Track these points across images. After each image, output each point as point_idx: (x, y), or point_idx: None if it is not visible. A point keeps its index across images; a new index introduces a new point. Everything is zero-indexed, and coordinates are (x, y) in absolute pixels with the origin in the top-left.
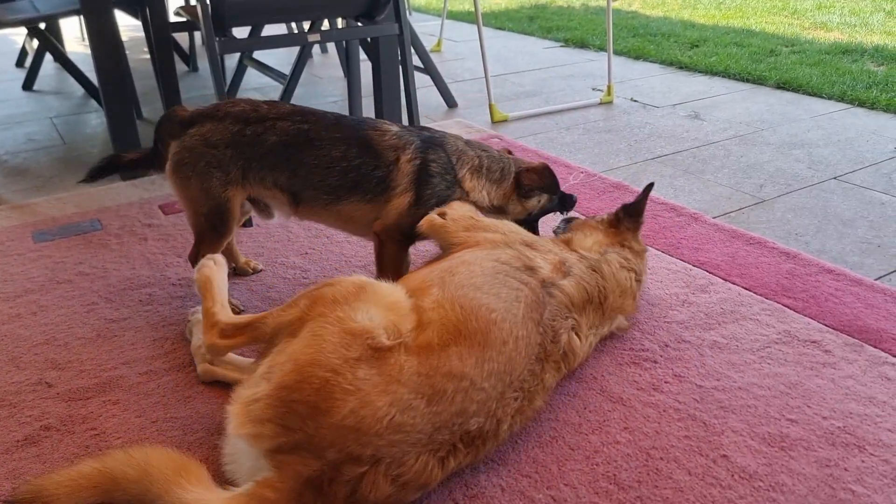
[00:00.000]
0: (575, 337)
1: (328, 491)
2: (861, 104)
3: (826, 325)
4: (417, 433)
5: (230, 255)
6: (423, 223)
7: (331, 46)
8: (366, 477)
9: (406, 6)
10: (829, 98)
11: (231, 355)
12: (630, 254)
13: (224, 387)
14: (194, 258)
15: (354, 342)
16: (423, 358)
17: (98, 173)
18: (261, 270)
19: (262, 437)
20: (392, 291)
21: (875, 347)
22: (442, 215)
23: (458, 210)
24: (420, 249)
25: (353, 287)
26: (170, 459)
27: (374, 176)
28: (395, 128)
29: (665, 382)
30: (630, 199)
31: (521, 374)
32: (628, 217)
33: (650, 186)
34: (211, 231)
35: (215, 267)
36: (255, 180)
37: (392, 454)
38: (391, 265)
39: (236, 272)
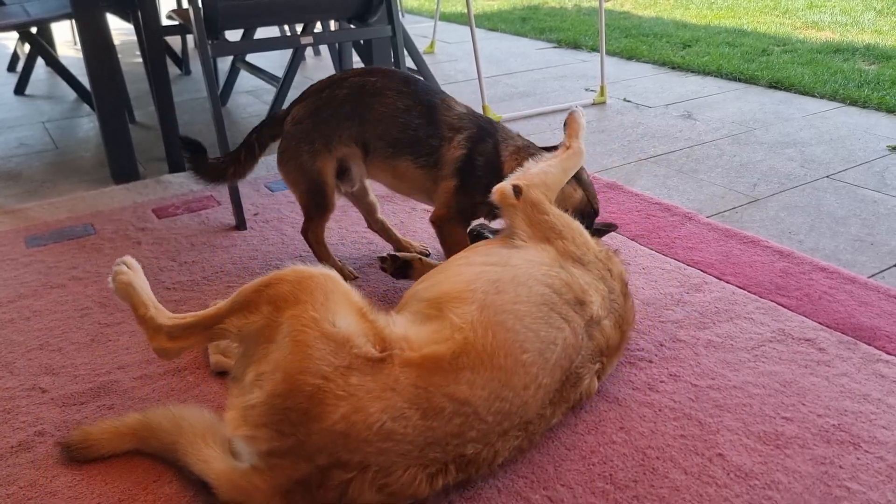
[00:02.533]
0: (595, 381)
1: (317, 494)
2: (853, 103)
3: (820, 324)
4: (407, 444)
5: (390, 238)
6: (496, 193)
7: (324, 49)
8: (353, 483)
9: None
10: (821, 97)
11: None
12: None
13: (218, 391)
14: (305, 232)
15: (340, 350)
16: (424, 372)
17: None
18: (428, 254)
19: (257, 439)
20: (350, 288)
21: (869, 345)
22: (517, 191)
23: (535, 192)
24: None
25: (310, 281)
26: (201, 419)
27: (428, 143)
28: (459, 108)
29: (660, 382)
30: (624, 199)
31: (531, 418)
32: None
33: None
34: (314, 206)
35: (130, 271)
36: (333, 139)
37: (380, 462)
38: (455, 248)
39: (398, 251)
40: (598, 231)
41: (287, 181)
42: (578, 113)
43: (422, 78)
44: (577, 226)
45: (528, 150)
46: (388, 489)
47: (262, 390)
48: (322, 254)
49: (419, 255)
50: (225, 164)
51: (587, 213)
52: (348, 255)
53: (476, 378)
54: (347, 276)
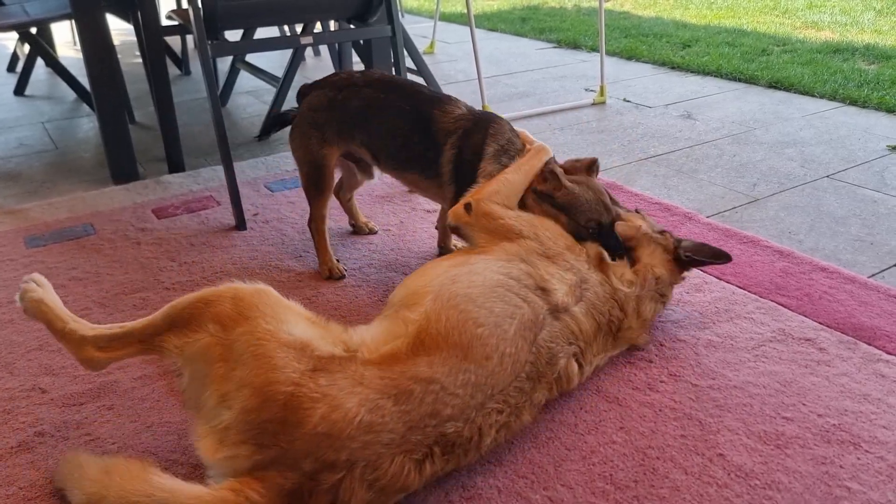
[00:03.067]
0: (574, 364)
1: (310, 502)
2: (852, 103)
3: (820, 323)
4: (389, 433)
5: (350, 213)
6: (450, 215)
7: (324, 49)
8: (343, 483)
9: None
10: (821, 97)
11: None
12: (667, 287)
13: None
14: (310, 223)
15: (302, 355)
16: (384, 366)
17: (268, 130)
18: (376, 232)
19: (239, 458)
20: (293, 303)
21: (869, 345)
22: (468, 208)
23: (485, 205)
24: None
25: (252, 297)
26: (129, 462)
27: (426, 156)
28: (459, 111)
29: (661, 382)
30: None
31: (506, 388)
32: (693, 262)
33: (728, 258)
34: (313, 187)
35: (39, 288)
36: (345, 138)
37: (366, 457)
38: None
39: (354, 230)
40: (691, 260)
41: (294, 156)
42: (522, 131)
43: (426, 87)
44: (543, 223)
45: (507, 154)
46: (379, 483)
47: (232, 410)
48: (322, 247)
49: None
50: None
51: (582, 223)
52: (348, 255)
53: (434, 358)
54: (338, 275)
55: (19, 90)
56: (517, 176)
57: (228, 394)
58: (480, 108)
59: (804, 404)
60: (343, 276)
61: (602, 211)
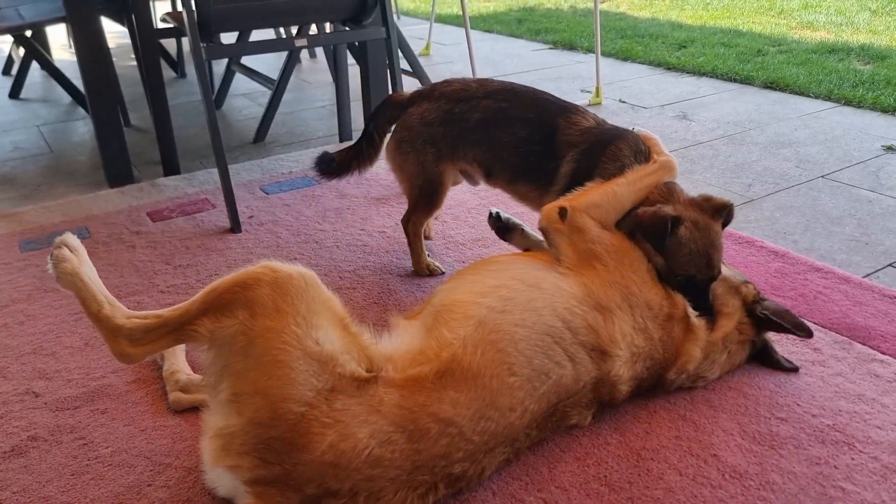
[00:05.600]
0: (588, 418)
1: None
2: (848, 103)
3: (815, 323)
4: (396, 469)
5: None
6: (542, 215)
7: (319, 51)
8: None
9: (395, 10)
10: (816, 97)
11: (196, 376)
12: (722, 361)
13: None
14: (406, 222)
15: (323, 371)
16: (407, 392)
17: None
18: (430, 238)
19: (241, 468)
20: (331, 296)
21: (863, 345)
22: (563, 213)
23: (580, 217)
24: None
25: (289, 285)
26: None
27: (543, 168)
28: (587, 123)
29: None
30: None
31: (518, 437)
32: (769, 324)
33: (809, 334)
34: (424, 200)
35: (73, 257)
36: (460, 155)
37: (370, 488)
38: None
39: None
40: (769, 322)
41: (399, 171)
42: (644, 130)
43: (551, 95)
44: (633, 262)
45: (622, 160)
46: None
47: (242, 416)
48: (417, 248)
49: (522, 226)
50: (349, 159)
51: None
52: (342, 257)
53: (460, 397)
54: (439, 272)
55: (14, 93)
56: (626, 191)
57: (241, 395)
58: (611, 123)
59: (798, 405)
60: (443, 273)
61: (703, 267)
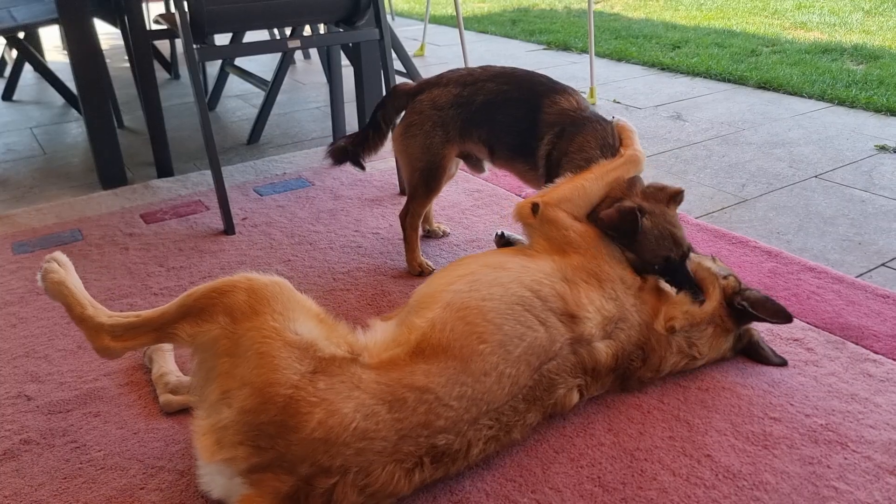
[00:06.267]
0: (576, 395)
1: (311, 501)
2: (841, 103)
3: (808, 323)
4: (382, 440)
5: (425, 218)
6: (515, 211)
7: (313, 52)
8: (336, 488)
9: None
10: (810, 97)
11: (185, 378)
12: (704, 341)
13: None
14: (405, 215)
15: (304, 356)
16: (382, 371)
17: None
18: (448, 234)
19: (237, 459)
20: (306, 298)
21: (856, 344)
22: (535, 208)
23: (552, 211)
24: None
25: (264, 290)
26: None
27: (529, 146)
28: (566, 104)
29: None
30: None
31: (501, 407)
32: (747, 315)
33: (789, 319)
34: (424, 186)
35: (61, 269)
36: (467, 136)
37: (359, 463)
38: None
39: (428, 234)
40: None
41: (403, 154)
42: (622, 119)
43: (547, 77)
44: (608, 245)
45: (589, 153)
46: (370, 489)
47: (232, 409)
48: (412, 243)
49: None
50: (354, 145)
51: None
52: (336, 258)
53: (431, 367)
54: (429, 270)
55: (7, 95)
56: (595, 186)
57: (230, 391)
58: (592, 108)
59: (792, 404)
60: (433, 270)
61: (671, 246)
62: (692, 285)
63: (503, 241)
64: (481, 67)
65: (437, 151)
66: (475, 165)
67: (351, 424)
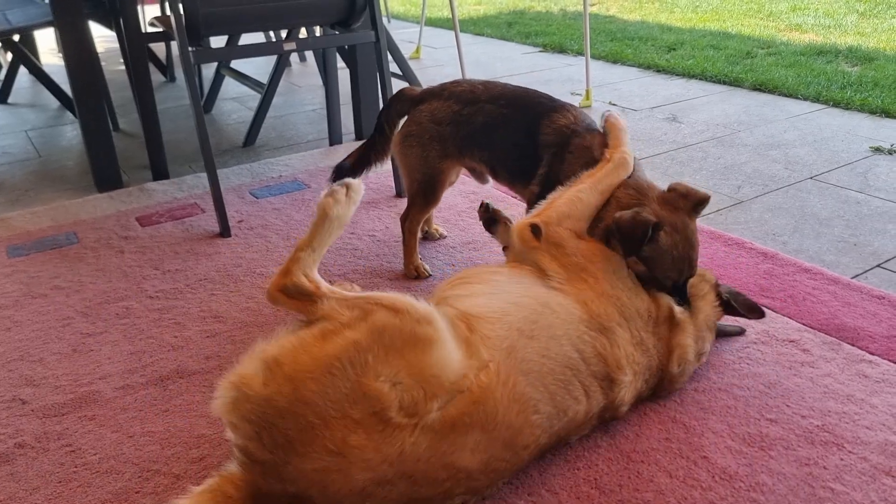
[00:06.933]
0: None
1: None
2: (836, 104)
3: (804, 325)
4: (387, 500)
5: (425, 220)
6: (515, 236)
7: (309, 55)
8: None
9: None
10: (805, 99)
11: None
12: (709, 343)
13: (199, 401)
14: (404, 219)
15: (361, 403)
16: (434, 441)
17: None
18: (445, 237)
19: (239, 431)
20: (444, 362)
21: (852, 345)
22: (535, 231)
23: (555, 231)
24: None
25: (408, 335)
26: None
27: (531, 169)
28: (563, 120)
29: None
30: None
31: (521, 467)
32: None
33: (761, 314)
34: (422, 196)
35: (340, 202)
36: (467, 154)
37: None
38: None
39: (425, 236)
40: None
41: (402, 163)
42: (614, 115)
43: (547, 96)
44: (618, 270)
45: (576, 167)
46: None
47: (265, 389)
48: (410, 246)
49: (508, 219)
50: (366, 153)
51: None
52: (332, 260)
53: (480, 442)
54: (425, 274)
55: (2, 98)
56: (590, 196)
57: (278, 365)
58: (588, 121)
59: (788, 406)
60: (430, 276)
61: (685, 269)
62: (686, 300)
63: (488, 214)
64: (483, 84)
65: (435, 165)
66: (479, 177)
67: (357, 488)
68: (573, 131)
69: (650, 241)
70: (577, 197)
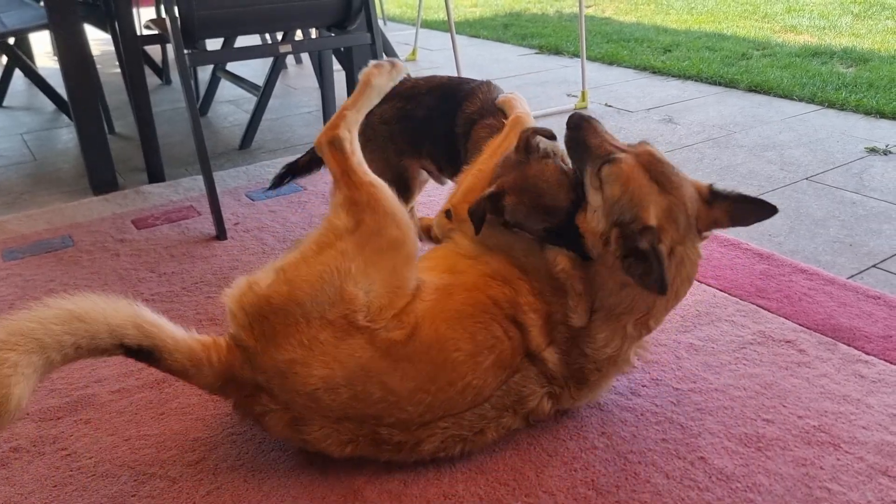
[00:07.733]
0: (547, 402)
1: (243, 401)
2: (831, 105)
3: (800, 325)
4: (329, 410)
5: (409, 213)
6: (435, 228)
7: (305, 57)
8: (273, 414)
9: (381, 16)
10: (800, 100)
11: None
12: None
13: (196, 403)
14: None
15: (338, 305)
16: (377, 356)
17: (280, 181)
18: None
19: (236, 318)
20: (409, 274)
21: (848, 346)
22: (448, 214)
23: (462, 209)
24: None
25: (387, 243)
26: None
27: (460, 153)
28: (472, 107)
29: (642, 386)
30: None
31: (460, 412)
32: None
33: None
34: (397, 193)
35: (383, 74)
36: (417, 150)
37: (301, 412)
38: None
39: None
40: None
41: (371, 168)
42: (504, 94)
43: (473, 80)
44: (517, 235)
45: (483, 135)
46: (301, 434)
47: (269, 287)
48: None
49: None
50: (317, 158)
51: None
52: None
53: (409, 371)
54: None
55: None
56: (490, 165)
57: (283, 271)
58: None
59: (784, 406)
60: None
61: (542, 216)
62: (582, 251)
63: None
64: (424, 79)
65: (397, 163)
66: (435, 176)
67: (310, 385)
68: (474, 120)
69: (499, 210)
70: (478, 169)
